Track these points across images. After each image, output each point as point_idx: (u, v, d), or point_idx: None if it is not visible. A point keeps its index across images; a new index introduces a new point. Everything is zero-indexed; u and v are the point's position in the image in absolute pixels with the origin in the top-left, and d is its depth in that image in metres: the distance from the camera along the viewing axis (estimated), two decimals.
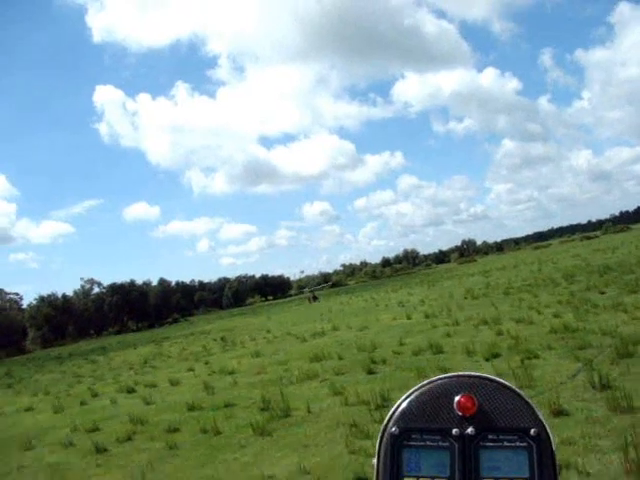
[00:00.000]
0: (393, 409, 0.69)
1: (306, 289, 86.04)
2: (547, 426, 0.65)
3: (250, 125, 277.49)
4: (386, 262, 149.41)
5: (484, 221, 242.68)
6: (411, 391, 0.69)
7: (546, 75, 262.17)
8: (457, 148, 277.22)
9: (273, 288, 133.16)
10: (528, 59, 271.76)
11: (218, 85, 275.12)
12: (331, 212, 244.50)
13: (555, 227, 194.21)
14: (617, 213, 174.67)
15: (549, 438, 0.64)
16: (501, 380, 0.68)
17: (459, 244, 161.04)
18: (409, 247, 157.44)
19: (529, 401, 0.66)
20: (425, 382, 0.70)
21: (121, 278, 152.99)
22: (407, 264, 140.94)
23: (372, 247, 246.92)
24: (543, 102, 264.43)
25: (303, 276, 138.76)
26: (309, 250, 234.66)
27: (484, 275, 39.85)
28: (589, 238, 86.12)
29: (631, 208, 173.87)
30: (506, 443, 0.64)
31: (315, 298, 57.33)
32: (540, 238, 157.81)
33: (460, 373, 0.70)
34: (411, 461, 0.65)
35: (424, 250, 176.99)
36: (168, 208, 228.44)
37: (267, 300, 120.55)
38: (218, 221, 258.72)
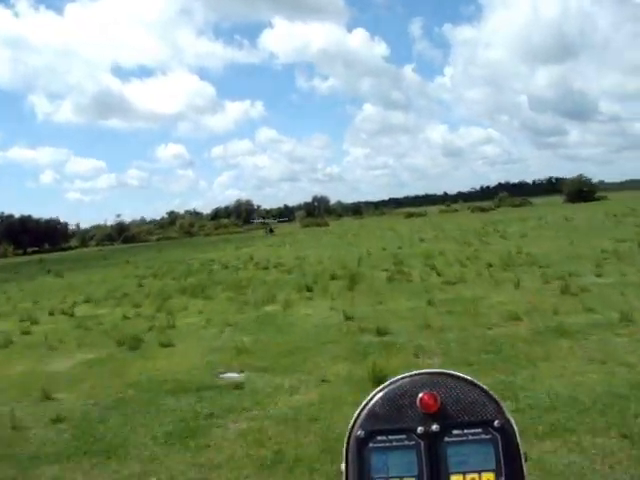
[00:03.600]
0: (357, 412, 0.68)
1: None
2: (510, 417, 0.65)
3: (102, 52, 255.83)
4: (216, 214, 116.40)
5: (339, 182, 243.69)
6: (374, 393, 0.69)
7: (414, 45, 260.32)
8: (319, 107, 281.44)
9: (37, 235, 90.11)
10: (399, 25, 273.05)
11: (66, 1, 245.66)
12: (186, 156, 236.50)
13: (411, 195, 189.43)
14: (477, 187, 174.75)
15: (513, 428, 0.64)
16: (462, 375, 0.68)
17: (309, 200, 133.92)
18: (248, 198, 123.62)
19: (491, 393, 0.67)
20: (387, 383, 0.69)
21: None
22: (236, 219, 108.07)
23: (225, 197, 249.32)
24: (408, 71, 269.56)
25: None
26: (161, 194, 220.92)
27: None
28: (483, 210, 68.67)
29: (481, 185, 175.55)
30: (471, 437, 0.64)
31: (272, 231, 59.47)
32: (399, 205, 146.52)
33: (421, 371, 0.69)
34: (379, 463, 0.64)
35: (274, 204, 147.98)
36: (7, 132, 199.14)
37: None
38: (64, 152, 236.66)
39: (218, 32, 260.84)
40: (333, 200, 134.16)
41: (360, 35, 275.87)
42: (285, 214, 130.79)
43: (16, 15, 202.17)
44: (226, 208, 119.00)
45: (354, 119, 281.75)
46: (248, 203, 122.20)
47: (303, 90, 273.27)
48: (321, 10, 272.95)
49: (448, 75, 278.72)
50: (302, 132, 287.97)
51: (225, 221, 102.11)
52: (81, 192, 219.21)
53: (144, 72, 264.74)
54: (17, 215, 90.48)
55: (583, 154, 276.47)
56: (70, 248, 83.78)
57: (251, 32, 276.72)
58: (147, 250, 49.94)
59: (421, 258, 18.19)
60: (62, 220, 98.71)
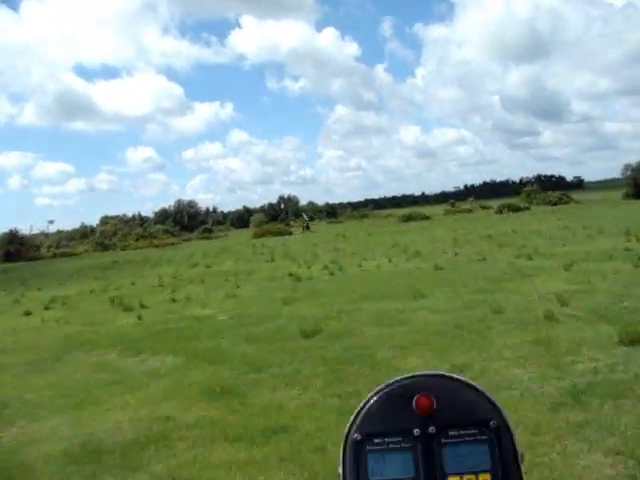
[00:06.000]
0: (353, 416, 0.68)
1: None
2: (506, 416, 0.66)
3: (63, 50, 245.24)
4: (162, 217, 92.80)
5: (313, 184, 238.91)
6: (369, 396, 0.69)
7: (385, 44, 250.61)
8: (291, 108, 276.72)
9: None
10: (370, 24, 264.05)
11: None
12: (156, 159, 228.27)
13: (389, 196, 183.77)
14: (462, 187, 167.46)
15: (509, 428, 0.65)
16: (457, 376, 0.68)
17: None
18: (190, 199, 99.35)
19: (487, 393, 0.67)
20: (382, 386, 0.69)
21: None
22: (175, 226, 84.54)
23: (198, 200, 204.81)
24: (380, 71, 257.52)
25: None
26: (132, 198, 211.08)
27: None
28: (514, 209, 50.36)
29: (457, 185, 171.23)
30: (467, 438, 0.64)
31: (308, 227, 54.62)
32: (377, 206, 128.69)
33: (416, 373, 0.69)
34: (376, 465, 0.65)
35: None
36: None
37: None
38: (30, 157, 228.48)
39: (184, 29, 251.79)
40: (304, 201, 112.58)
41: (331, 34, 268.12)
42: (244, 218, 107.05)
43: None
44: (173, 211, 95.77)
45: (326, 120, 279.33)
46: (190, 205, 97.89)
47: (274, 91, 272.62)
48: (291, 8, 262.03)
49: (420, 75, 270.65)
50: (274, 134, 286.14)
51: (157, 228, 78.81)
52: (50, 197, 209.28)
53: (109, 72, 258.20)
54: None
55: (556, 154, 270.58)
56: None
57: (219, 30, 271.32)
58: None
59: None
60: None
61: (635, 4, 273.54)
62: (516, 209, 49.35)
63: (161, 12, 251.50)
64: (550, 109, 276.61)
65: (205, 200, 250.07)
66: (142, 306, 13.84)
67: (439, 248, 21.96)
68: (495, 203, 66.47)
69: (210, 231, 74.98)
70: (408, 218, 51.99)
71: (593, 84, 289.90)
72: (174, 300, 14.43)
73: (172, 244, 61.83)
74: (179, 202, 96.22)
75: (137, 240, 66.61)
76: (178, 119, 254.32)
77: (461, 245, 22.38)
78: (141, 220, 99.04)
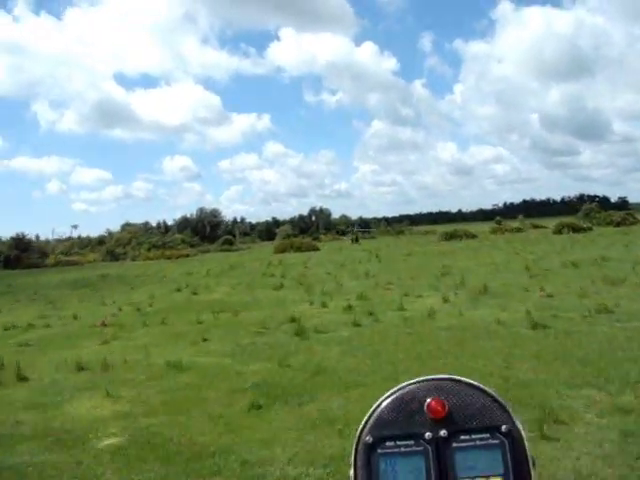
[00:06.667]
0: (365, 418, 0.68)
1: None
2: (518, 421, 0.65)
3: (105, 59, 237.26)
4: (182, 226, 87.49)
5: (347, 199, 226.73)
6: (381, 399, 0.69)
7: (424, 60, 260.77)
8: (327, 122, 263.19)
9: None
10: (409, 39, 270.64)
11: (66, 4, 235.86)
12: (192, 169, 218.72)
13: (424, 212, 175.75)
14: (501, 204, 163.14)
15: (520, 433, 0.64)
16: (469, 380, 0.68)
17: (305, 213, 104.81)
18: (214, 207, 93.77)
19: (498, 398, 0.66)
20: (394, 389, 0.69)
21: None
22: (194, 235, 78.59)
23: (233, 211, 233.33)
24: (418, 87, 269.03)
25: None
26: (167, 206, 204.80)
27: None
28: (575, 229, 43.13)
29: (496, 203, 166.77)
30: (479, 442, 0.64)
31: (357, 240, 52.42)
32: (412, 222, 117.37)
33: (428, 377, 0.69)
34: (387, 468, 0.64)
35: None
36: (12, 141, 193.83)
37: None
38: (69, 163, 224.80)
39: (223, 40, 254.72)
40: (337, 215, 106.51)
41: (369, 48, 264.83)
42: (272, 230, 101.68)
43: (14, 20, 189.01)
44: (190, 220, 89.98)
45: (362, 135, 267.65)
46: (213, 213, 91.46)
47: (311, 104, 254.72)
48: (330, 21, 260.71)
49: (458, 91, 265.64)
50: (309, 147, 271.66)
51: (174, 237, 73.06)
52: (87, 203, 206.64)
53: (148, 81, 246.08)
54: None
55: (595, 174, 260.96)
56: None
57: (257, 41, 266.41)
58: None
59: None
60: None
61: None
62: (577, 229, 41.96)
63: (201, 23, 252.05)
64: (590, 128, 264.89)
65: (239, 211, 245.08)
66: (19, 376, 7.91)
67: (511, 280, 15.45)
68: (542, 222, 59.36)
69: (231, 243, 69.05)
70: (451, 236, 44.92)
71: (635, 103, 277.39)
72: (80, 368, 8.38)
73: (186, 255, 56.48)
74: (201, 210, 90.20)
75: (149, 250, 61.26)
76: (215, 129, 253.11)
77: (542, 277, 15.81)
78: (165, 228, 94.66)
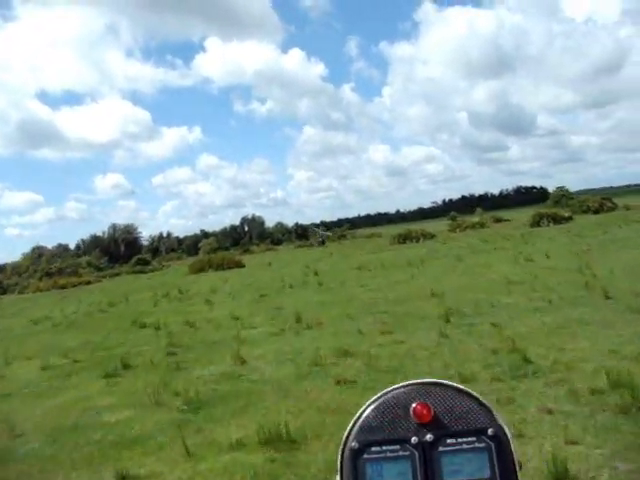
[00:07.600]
0: (351, 424, 0.67)
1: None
2: (504, 424, 0.64)
3: (25, 77, 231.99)
4: (92, 246, 75.70)
5: (284, 206, 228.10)
6: (367, 404, 0.68)
7: (351, 64, 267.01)
8: (259, 130, 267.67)
9: None
10: (335, 44, 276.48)
11: None
12: (126, 186, 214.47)
13: (362, 215, 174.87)
14: (439, 202, 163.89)
15: (507, 436, 0.64)
16: (454, 384, 0.67)
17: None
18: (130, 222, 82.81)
19: (484, 402, 0.66)
20: (380, 394, 0.68)
21: None
22: (104, 256, 67.38)
23: (169, 226, 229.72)
24: (347, 91, 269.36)
25: None
26: (103, 225, 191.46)
27: None
28: (556, 220, 36.42)
29: (434, 201, 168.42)
30: (465, 446, 0.63)
31: (323, 242, 52.95)
32: (353, 226, 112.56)
33: (413, 381, 0.68)
34: (373, 474, 0.64)
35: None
36: None
37: None
38: None
39: (148, 52, 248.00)
40: (271, 222, 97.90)
41: (296, 55, 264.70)
42: (198, 244, 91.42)
43: None
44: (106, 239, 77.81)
45: (295, 141, 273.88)
46: (128, 230, 79.82)
47: (241, 113, 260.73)
48: (255, 28, 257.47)
49: (387, 94, 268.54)
50: (243, 157, 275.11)
51: (78, 261, 61.76)
52: (20, 227, 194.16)
53: (73, 98, 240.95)
54: None
55: (524, 167, 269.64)
56: None
57: (183, 52, 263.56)
58: None
59: None
60: None
61: (594, 19, 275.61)
62: (558, 219, 35.19)
63: (123, 35, 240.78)
64: (516, 124, 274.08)
65: (177, 226, 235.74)
66: None
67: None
68: (499, 215, 53.38)
69: (146, 262, 58.60)
70: (405, 238, 37.22)
71: (557, 98, 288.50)
72: None
73: (87, 283, 45.98)
74: (114, 227, 78.60)
75: (40, 279, 50.13)
76: (146, 144, 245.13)
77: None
78: (83, 251, 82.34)
